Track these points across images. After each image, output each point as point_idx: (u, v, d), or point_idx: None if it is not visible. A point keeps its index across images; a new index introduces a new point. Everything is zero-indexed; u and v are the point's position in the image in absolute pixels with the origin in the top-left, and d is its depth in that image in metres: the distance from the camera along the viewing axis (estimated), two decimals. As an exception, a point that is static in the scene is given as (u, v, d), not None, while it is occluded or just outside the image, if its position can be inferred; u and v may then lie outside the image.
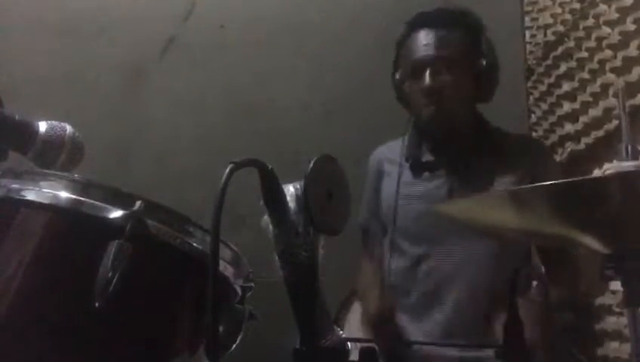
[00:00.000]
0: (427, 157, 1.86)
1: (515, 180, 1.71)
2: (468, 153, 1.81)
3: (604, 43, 1.77)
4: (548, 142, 2.21)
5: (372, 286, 1.78)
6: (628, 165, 1.06)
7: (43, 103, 2.22)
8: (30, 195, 1.01)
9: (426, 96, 1.74)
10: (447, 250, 1.75)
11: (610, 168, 1.14)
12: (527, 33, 2.42)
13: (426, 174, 1.83)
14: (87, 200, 1.00)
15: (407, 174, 1.85)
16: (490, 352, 1.21)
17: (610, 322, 1.70)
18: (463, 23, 1.80)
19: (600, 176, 1.19)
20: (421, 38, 1.78)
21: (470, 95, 1.80)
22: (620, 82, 1.66)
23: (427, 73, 1.73)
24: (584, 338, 1.81)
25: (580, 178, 0.97)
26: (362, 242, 1.96)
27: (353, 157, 2.03)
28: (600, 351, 1.74)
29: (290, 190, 0.94)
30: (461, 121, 1.82)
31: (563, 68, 2.07)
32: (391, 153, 1.91)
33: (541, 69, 2.26)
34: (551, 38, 2.19)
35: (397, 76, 1.86)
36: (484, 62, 1.76)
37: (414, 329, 1.74)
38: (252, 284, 1.16)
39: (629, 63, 1.65)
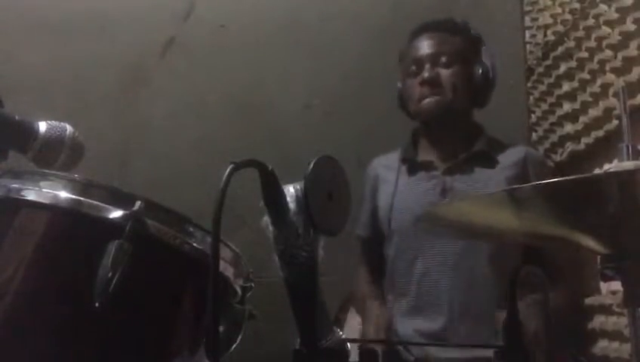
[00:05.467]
0: (423, 157, 1.88)
1: (510, 185, 1.72)
2: (463, 153, 1.83)
3: (604, 43, 1.77)
4: (548, 142, 2.21)
5: (371, 299, 1.83)
6: (628, 165, 1.05)
7: (43, 103, 2.24)
8: (30, 195, 1.02)
9: (425, 86, 1.81)
10: (443, 251, 1.76)
11: (610, 168, 1.13)
12: (527, 33, 2.41)
13: (422, 174, 1.85)
14: (87, 200, 1.00)
15: (404, 177, 1.87)
16: (489, 352, 1.21)
17: (610, 322, 1.69)
18: (464, 32, 1.90)
19: (599, 175, 1.18)
20: (423, 39, 1.88)
21: (466, 95, 1.86)
22: (620, 82, 1.65)
23: (427, 66, 1.83)
24: (583, 338, 1.80)
25: (579, 176, 0.97)
26: (361, 252, 1.97)
27: (353, 157, 2.05)
28: (600, 351, 1.73)
29: (290, 191, 0.94)
30: (458, 117, 1.87)
31: (563, 68, 2.06)
32: (387, 161, 1.95)
33: (541, 69, 2.26)
34: (551, 38, 2.19)
35: (399, 84, 1.90)
36: (481, 70, 1.84)
37: (412, 330, 1.74)
38: (252, 284, 1.16)
39: (629, 63, 1.65)
